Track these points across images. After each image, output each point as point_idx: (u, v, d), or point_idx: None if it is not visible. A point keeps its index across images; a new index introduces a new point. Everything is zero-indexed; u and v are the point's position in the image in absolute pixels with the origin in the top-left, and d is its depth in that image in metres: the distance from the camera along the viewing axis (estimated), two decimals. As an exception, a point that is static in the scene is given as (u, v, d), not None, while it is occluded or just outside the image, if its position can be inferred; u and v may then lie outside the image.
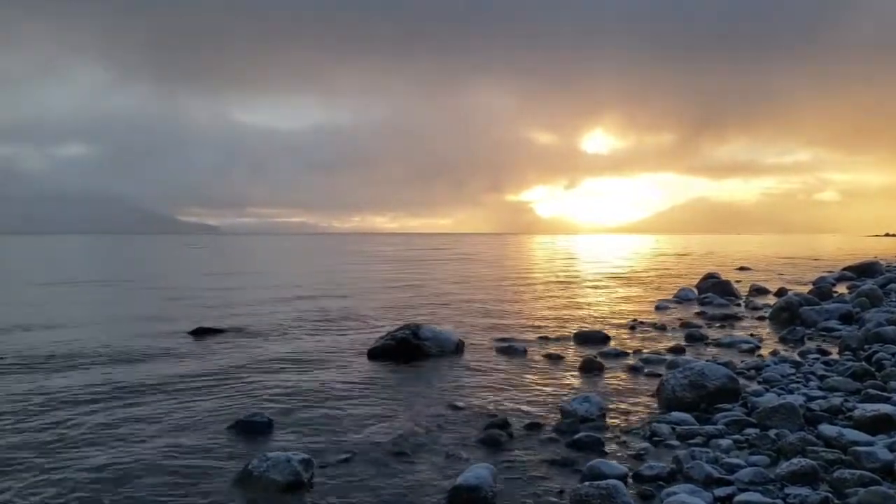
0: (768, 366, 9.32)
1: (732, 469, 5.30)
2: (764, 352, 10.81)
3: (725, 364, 8.68)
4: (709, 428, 6.42)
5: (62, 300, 19.82)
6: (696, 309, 16.80)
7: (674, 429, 6.46)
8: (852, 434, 5.87)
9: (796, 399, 7.09)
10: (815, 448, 5.64)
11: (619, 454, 5.93)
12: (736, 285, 20.88)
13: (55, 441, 6.28)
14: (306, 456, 5.39)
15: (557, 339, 12.20)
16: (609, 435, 6.47)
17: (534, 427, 6.73)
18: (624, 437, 6.41)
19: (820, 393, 7.63)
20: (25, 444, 6.17)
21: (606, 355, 10.49)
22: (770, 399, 7.14)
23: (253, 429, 6.61)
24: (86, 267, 39.89)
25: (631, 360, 10.14)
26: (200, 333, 12.59)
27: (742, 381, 8.12)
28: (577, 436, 6.29)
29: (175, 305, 17.73)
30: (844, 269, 27.77)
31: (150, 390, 8.26)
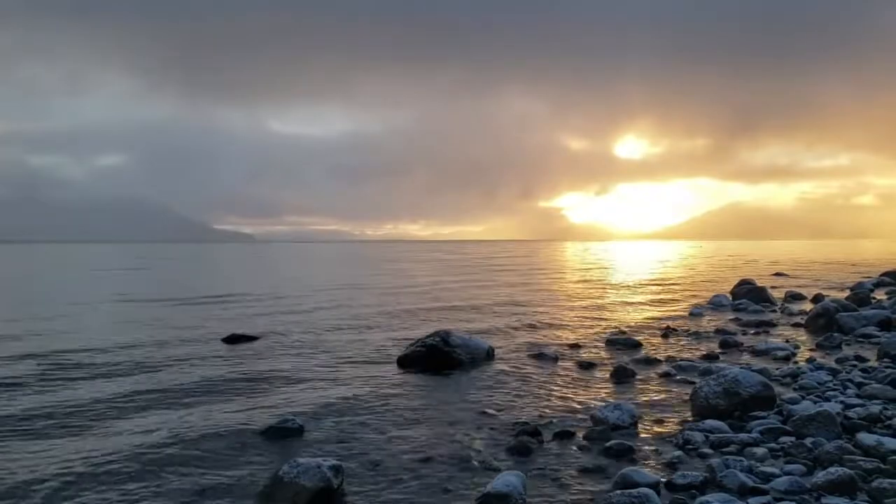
0: (804, 373, 9.17)
1: (767, 478, 5.22)
2: (800, 359, 10.63)
3: (760, 371, 8.56)
4: (743, 436, 6.32)
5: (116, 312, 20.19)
6: (731, 315, 16.58)
7: (707, 437, 6.37)
8: (892, 443, 5.75)
9: (833, 407, 6.97)
10: (852, 457, 5.53)
11: (651, 462, 5.87)
12: (771, 291, 20.60)
13: (85, 441, 6.38)
14: (336, 462, 5.40)
15: (589, 346, 12.12)
16: (641, 443, 6.41)
17: (565, 435, 6.68)
18: (656, 446, 6.33)
19: (858, 401, 7.47)
20: (61, 445, 6.28)
21: (639, 362, 10.39)
22: (806, 407, 7.01)
23: (284, 434, 6.66)
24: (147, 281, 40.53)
25: (664, 367, 10.02)
26: (234, 340, 12.72)
27: (777, 388, 7.99)
28: (608, 444, 6.23)
29: (219, 313, 17.94)
30: (883, 274, 27.23)
31: (182, 396, 8.36)
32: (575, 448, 6.33)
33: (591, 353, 11.47)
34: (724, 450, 6.02)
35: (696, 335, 13.39)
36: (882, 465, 5.34)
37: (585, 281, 31.67)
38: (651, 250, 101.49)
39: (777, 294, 21.11)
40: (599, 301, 21.20)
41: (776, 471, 5.36)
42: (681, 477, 5.31)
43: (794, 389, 8.31)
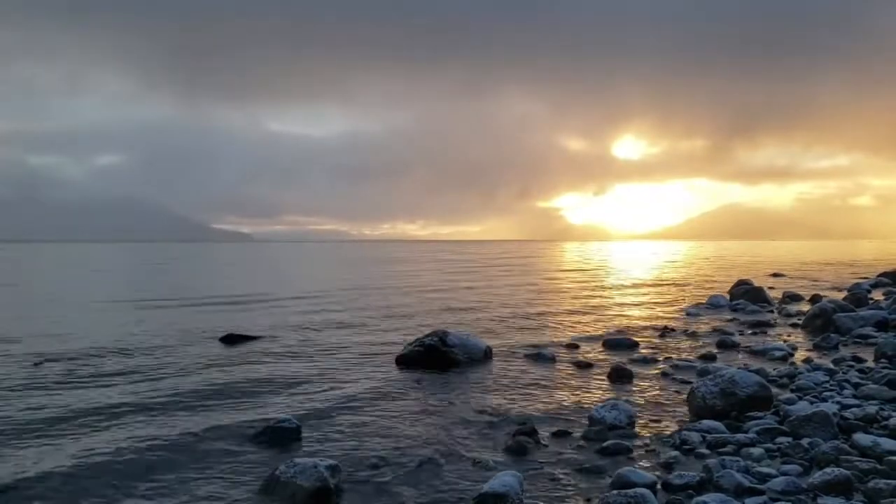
0: (801, 373, 9.18)
1: (764, 478, 5.22)
2: (797, 359, 10.65)
3: (757, 371, 8.56)
4: (740, 436, 6.32)
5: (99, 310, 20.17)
6: (728, 316, 16.60)
7: (704, 437, 6.38)
8: (888, 443, 5.75)
9: (830, 407, 6.98)
10: (849, 457, 5.54)
11: (647, 462, 5.87)
12: (769, 292, 20.62)
13: (81, 442, 6.38)
14: (334, 462, 5.41)
15: (587, 346, 12.13)
16: (638, 443, 6.42)
17: (562, 434, 6.69)
18: (653, 446, 6.34)
19: (854, 401, 7.48)
20: (51, 446, 6.27)
21: (636, 362, 10.40)
22: (803, 407, 7.02)
23: (281, 434, 6.64)
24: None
25: (661, 367, 10.04)
26: (231, 340, 12.71)
27: (774, 389, 8.00)
28: (605, 443, 6.24)
29: (216, 313, 17.93)
30: (880, 274, 27.27)
31: (180, 395, 8.34)
32: (572, 448, 6.34)
33: (589, 353, 11.47)
34: (721, 450, 6.02)
35: (694, 335, 13.40)
36: (878, 466, 5.35)
37: (583, 281, 31.68)
38: (649, 250, 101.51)
39: (774, 294, 21.15)
40: (597, 301, 21.21)
41: (773, 471, 5.37)
42: (677, 477, 5.31)
43: (791, 390, 8.31)
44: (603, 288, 27.08)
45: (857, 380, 8.65)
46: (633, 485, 5.03)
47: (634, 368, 9.81)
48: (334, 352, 11.58)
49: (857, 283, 24.11)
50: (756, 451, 5.87)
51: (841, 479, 4.97)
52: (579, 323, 15.64)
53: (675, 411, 7.58)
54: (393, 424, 7.12)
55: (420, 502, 5.10)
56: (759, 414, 7.02)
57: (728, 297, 19.98)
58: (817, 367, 9.62)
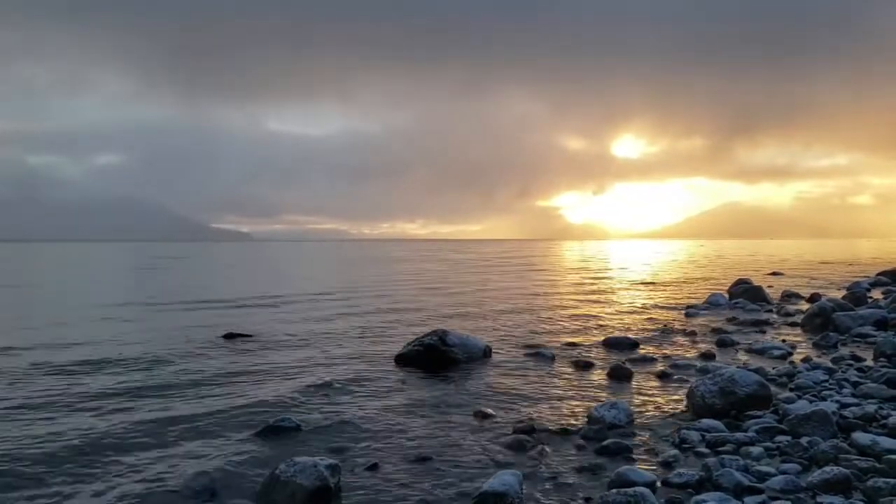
0: (800, 372, 9.19)
1: (763, 477, 5.23)
2: (796, 358, 10.65)
3: (756, 370, 8.58)
4: (739, 435, 6.33)
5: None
6: (727, 315, 16.58)
7: (703, 436, 6.39)
8: (887, 442, 5.77)
9: (829, 406, 6.99)
10: (848, 456, 5.55)
11: (647, 461, 5.88)
12: (768, 291, 20.64)
13: (83, 442, 6.38)
14: (333, 461, 5.41)
15: (586, 346, 12.14)
16: (637, 442, 6.42)
17: (561, 433, 6.70)
18: (652, 444, 6.35)
19: (853, 400, 7.49)
20: (53, 444, 6.27)
21: (635, 361, 10.40)
22: (802, 406, 7.03)
23: (281, 434, 6.66)
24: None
25: (660, 367, 10.05)
26: (231, 338, 12.72)
27: (773, 387, 8.01)
28: (604, 442, 6.25)
29: (216, 312, 17.92)
30: (879, 273, 27.30)
31: (180, 394, 8.36)
32: (571, 447, 6.34)
33: (588, 352, 11.48)
34: (721, 449, 6.03)
35: (693, 334, 13.41)
36: (877, 465, 5.36)
37: (582, 280, 31.68)
38: (648, 249, 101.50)
39: (774, 293, 21.16)
40: (596, 300, 21.21)
41: (772, 470, 5.38)
42: (677, 476, 5.32)
43: (791, 389, 8.32)
44: (602, 287, 27.07)
45: (856, 378, 8.66)
46: (633, 483, 5.04)
47: (634, 367, 9.81)
48: (334, 350, 11.59)
49: (856, 282, 24.14)
50: (755, 449, 5.88)
51: (840, 478, 4.98)
52: (578, 322, 15.65)
53: (674, 410, 7.59)
54: (392, 423, 7.13)
55: (420, 501, 5.11)
56: (759, 413, 7.03)
57: (727, 295, 19.99)
58: (816, 366, 9.63)
